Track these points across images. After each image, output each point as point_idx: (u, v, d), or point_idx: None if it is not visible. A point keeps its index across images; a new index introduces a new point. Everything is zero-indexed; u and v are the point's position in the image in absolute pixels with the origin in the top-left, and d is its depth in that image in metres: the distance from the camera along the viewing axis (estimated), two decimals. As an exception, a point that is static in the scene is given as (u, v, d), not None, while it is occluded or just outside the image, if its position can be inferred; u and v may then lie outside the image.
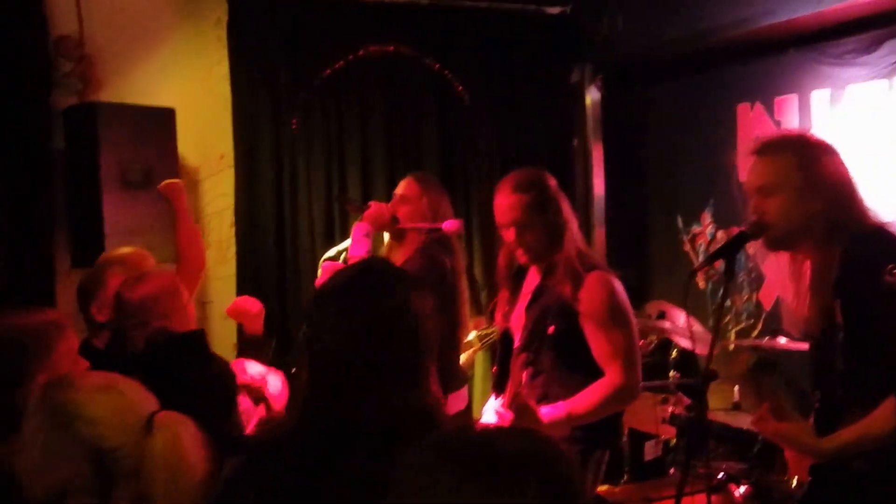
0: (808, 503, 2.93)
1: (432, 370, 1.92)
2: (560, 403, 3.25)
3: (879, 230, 2.64)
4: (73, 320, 3.80)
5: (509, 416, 3.21)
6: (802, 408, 3.43)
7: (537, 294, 3.43)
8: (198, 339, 3.21)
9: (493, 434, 1.24)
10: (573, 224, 3.43)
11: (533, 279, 3.50)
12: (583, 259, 3.34)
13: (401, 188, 4.46)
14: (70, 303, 3.95)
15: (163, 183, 4.61)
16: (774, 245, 2.78)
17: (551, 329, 3.32)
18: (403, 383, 1.84)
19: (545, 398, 3.34)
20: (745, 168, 2.81)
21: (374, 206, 4.26)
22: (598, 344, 3.28)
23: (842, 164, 2.72)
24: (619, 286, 3.34)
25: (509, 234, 3.43)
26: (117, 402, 1.93)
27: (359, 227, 4.12)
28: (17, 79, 4.82)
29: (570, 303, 3.28)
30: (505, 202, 3.41)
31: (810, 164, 2.67)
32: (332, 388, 1.85)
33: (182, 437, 1.91)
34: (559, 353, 3.33)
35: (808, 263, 2.78)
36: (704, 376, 2.87)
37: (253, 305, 3.99)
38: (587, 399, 3.25)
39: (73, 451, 1.84)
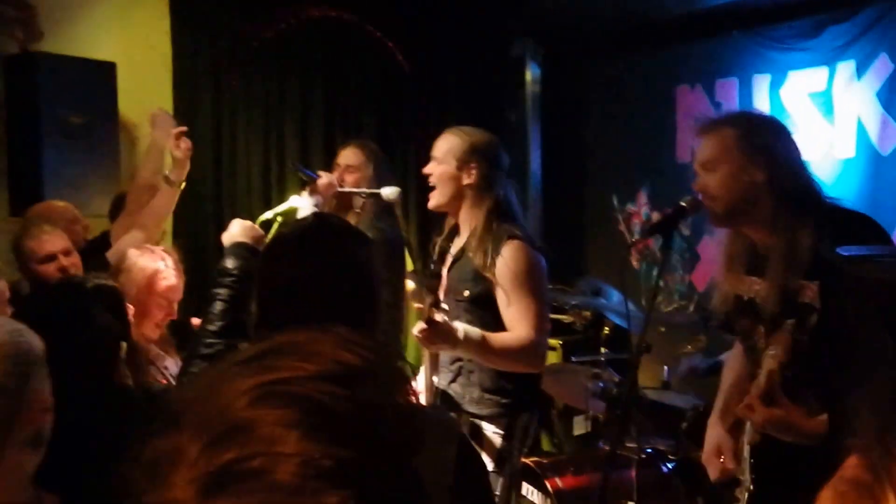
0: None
1: (378, 323, 1.94)
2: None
3: (853, 212, 2.60)
4: (11, 267, 3.80)
5: (427, 331, 3.06)
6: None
7: (457, 258, 3.43)
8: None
9: None
10: (496, 195, 3.37)
11: (459, 242, 3.48)
12: (503, 228, 3.30)
13: (346, 157, 4.46)
14: (7, 251, 3.93)
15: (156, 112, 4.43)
16: (718, 220, 2.72)
17: (465, 293, 3.32)
18: (352, 328, 1.83)
19: (457, 359, 3.35)
20: (683, 150, 2.72)
21: (326, 177, 4.20)
22: (509, 307, 3.23)
23: (789, 139, 2.67)
24: (536, 257, 3.30)
25: (430, 167, 3.45)
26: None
27: (308, 198, 4.06)
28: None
29: (485, 269, 3.25)
30: (451, 136, 3.44)
31: (752, 137, 2.61)
32: (280, 328, 1.85)
33: None
34: (472, 316, 3.28)
35: (746, 240, 2.71)
36: (639, 348, 2.85)
37: None
38: (500, 337, 3.19)
39: None
